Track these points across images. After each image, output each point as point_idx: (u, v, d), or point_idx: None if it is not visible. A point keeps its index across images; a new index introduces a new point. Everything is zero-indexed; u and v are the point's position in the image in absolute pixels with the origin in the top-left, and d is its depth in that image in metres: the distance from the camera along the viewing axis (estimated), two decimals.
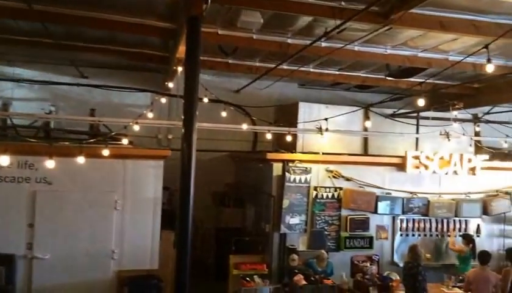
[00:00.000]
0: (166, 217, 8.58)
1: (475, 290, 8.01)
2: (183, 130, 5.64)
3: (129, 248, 8.38)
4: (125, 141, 8.41)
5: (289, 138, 9.11)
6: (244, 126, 8.85)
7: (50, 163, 7.19)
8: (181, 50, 6.64)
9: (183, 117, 5.59)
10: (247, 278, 8.59)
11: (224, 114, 9.16)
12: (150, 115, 8.55)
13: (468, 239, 9.39)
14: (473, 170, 10.04)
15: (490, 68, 5.02)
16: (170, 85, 9.42)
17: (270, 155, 9.44)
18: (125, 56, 9.73)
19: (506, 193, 10.29)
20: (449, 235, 9.83)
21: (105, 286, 8.24)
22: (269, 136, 8.97)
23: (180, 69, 7.81)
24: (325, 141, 9.25)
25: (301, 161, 9.36)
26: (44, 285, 7.98)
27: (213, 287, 9.64)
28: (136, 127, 8.09)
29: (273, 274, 9.00)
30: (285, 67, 9.18)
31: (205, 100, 8.39)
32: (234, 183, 11.76)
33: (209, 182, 11.06)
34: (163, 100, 9.81)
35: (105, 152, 7.47)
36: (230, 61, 9.68)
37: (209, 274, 10.45)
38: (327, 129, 8.55)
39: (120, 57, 9.82)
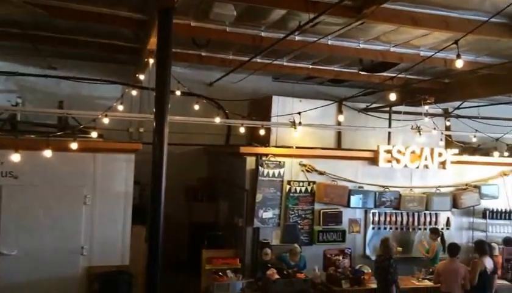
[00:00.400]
0: (138, 211, 8.49)
1: (444, 282, 8.24)
2: (154, 124, 5.60)
3: (99, 243, 8.28)
4: (94, 134, 8.27)
5: (262, 132, 9.14)
6: (217, 120, 8.82)
7: (16, 157, 7.03)
8: (153, 42, 6.56)
9: (154, 110, 5.54)
10: (220, 273, 8.59)
11: (196, 107, 9.10)
12: (120, 107, 8.43)
13: (436, 233, 9.58)
14: (443, 164, 10.25)
15: (459, 64, 5.12)
16: (142, 77, 9.30)
17: (243, 149, 9.44)
18: (95, 47, 9.57)
19: (475, 186, 10.55)
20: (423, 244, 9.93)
21: (74, 283, 8.12)
22: (242, 130, 8.98)
23: (151, 61, 7.73)
24: (299, 135, 9.31)
25: (274, 155, 9.39)
26: (11, 282, 7.81)
27: (185, 282, 9.60)
28: (106, 120, 7.97)
29: (246, 269, 9.03)
30: (259, 60, 9.18)
31: (177, 93, 8.32)
32: (207, 177, 11.73)
33: (182, 176, 10.97)
34: (134, 92, 9.68)
35: (74, 145, 7.34)
36: (203, 53, 9.62)
37: (182, 270, 10.39)
38: (300, 123, 8.60)
39: (90, 48, 9.64)
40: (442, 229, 10.29)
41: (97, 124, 8.28)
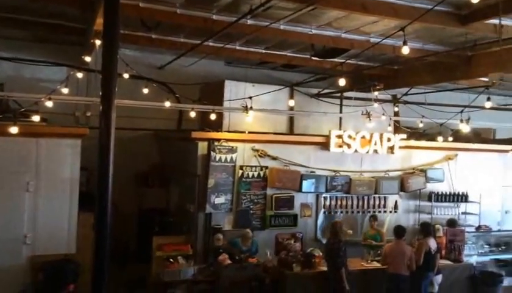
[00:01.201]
0: (85, 198, 8.26)
1: (391, 262, 8.56)
2: (101, 107, 5.41)
3: (44, 231, 8.01)
4: (36, 118, 7.93)
5: (213, 117, 9.07)
6: (167, 104, 8.68)
7: None
8: (99, 22, 6.32)
9: (100, 93, 5.35)
10: (171, 259, 8.53)
11: (145, 91, 8.90)
12: (65, 90, 8.12)
13: (373, 219, 9.84)
14: (391, 148, 10.57)
15: (405, 50, 5.25)
16: (88, 59, 8.98)
17: (195, 134, 9.36)
18: (39, 27, 9.14)
19: (422, 170, 10.97)
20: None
21: (17, 272, 7.84)
22: (193, 114, 8.87)
23: (98, 42, 7.46)
24: (252, 121, 9.32)
25: (227, 140, 9.39)
26: None
27: (135, 270, 9.49)
28: (50, 104, 7.66)
29: (198, 255, 9.02)
30: (211, 44, 9.06)
31: (125, 76, 8.09)
32: (158, 163, 11.56)
33: (132, 162, 10.79)
34: (80, 75, 9.35)
35: (14, 129, 7.02)
36: (153, 36, 9.39)
37: (132, 257, 10.27)
38: (251, 108, 8.59)
39: (34, 29, 9.21)
40: (391, 212, 10.67)
41: (41, 108, 7.96)
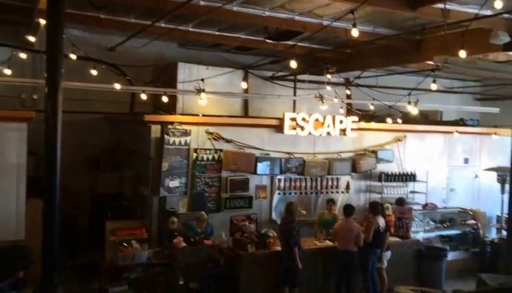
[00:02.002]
0: (33, 183, 7.98)
1: (340, 240, 8.81)
2: (46, 89, 5.21)
3: None
4: None
5: (165, 99, 8.91)
6: (117, 86, 8.45)
7: None
8: (44, 0, 6.04)
9: (45, 75, 5.15)
10: (125, 244, 8.40)
11: (94, 72, 8.62)
12: (7, 71, 7.73)
13: (332, 202, 10.01)
14: (344, 130, 10.74)
15: (355, 33, 5.31)
16: (32, 39, 8.57)
17: (148, 117, 9.22)
18: None
19: (372, 151, 11.23)
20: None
21: None
22: (144, 97, 8.68)
23: (42, 22, 7.13)
24: (206, 104, 9.21)
25: (180, 123, 9.27)
26: None
27: (88, 256, 9.31)
28: None
29: (153, 239, 8.93)
30: (162, 25, 8.87)
31: (73, 57, 7.79)
32: (110, 146, 11.30)
33: (83, 146, 10.53)
34: (24, 56, 8.92)
35: None
36: (102, 16, 9.08)
37: (85, 243, 10.05)
38: (203, 90, 8.49)
39: None
40: (343, 192, 10.90)
41: None
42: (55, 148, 5.11)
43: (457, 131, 11.81)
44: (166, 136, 9.04)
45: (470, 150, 12.52)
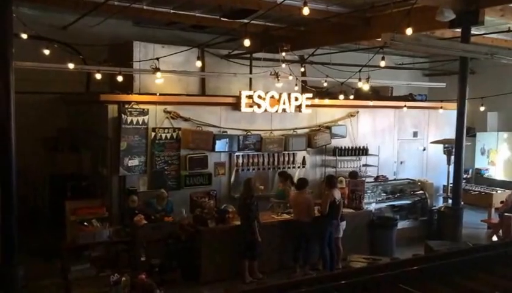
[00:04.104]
0: None
1: (294, 211, 9.08)
2: None
3: None
4: None
5: (120, 79, 8.78)
6: (70, 65, 8.26)
7: None
8: None
9: None
10: (85, 223, 8.36)
11: (47, 52, 8.38)
12: None
13: (285, 176, 10.15)
14: (299, 107, 10.90)
15: (306, 11, 5.40)
16: None
17: (104, 97, 9.11)
18: None
19: (327, 127, 11.45)
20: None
21: None
22: (98, 76, 8.52)
23: None
24: (163, 82, 9.17)
25: (138, 102, 9.20)
26: None
27: (49, 236, 9.19)
28: None
29: (113, 217, 8.92)
30: (116, 3, 8.68)
31: (24, 36, 7.54)
32: (67, 127, 11.09)
33: (39, 127, 10.28)
34: None
35: None
36: None
37: (45, 223, 9.91)
38: (158, 69, 8.41)
39: None
40: (299, 167, 11.11)
41: None
42: (8, 129, 5.02)
43: (406, 106, 12.19)
44: (123, 115, 8.96)
45: (418, 124, 12.96)
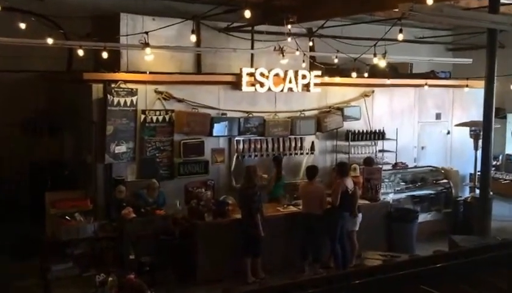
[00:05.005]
0: None
1: (303, 203, 9.00)
2: None
3: None
4: None
5: (105, 55, 8.65)
6: (49, 41, 8.14)
7: None
8: None
9: None
10: (67, 217, 8.32)
11: (22, 26, 8.27)
12: None
13: (277, 161, 10.08)
14: (307, 86, 10.81)
15: None
16: None
17: (88, 76, 9.08)
18: None
19: (338, 108, 11.36)
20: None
21: None
22: (81, 52, 8.42)
23: None
24: (153, 59, 9.04)
25: (125, 81, 9.17)
26: None
27: (27, 231, 9.13)
28: None
29: (98, 210, 8.91)
30: None
31: None
32: (47, 108, 11.01)
33: (15, 109, 10.21)
34: None
35: None
36: None
37: (23, 217, 9.85)
38: (148, 44, 8.28)
39: None
40: (307, 153, 11.00)
41: None
42: None
43: (427, 84, 12.04)
44: (109, 96, 8.90)
45: (441, 104, 12.86)
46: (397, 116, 12.16)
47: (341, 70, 11.47)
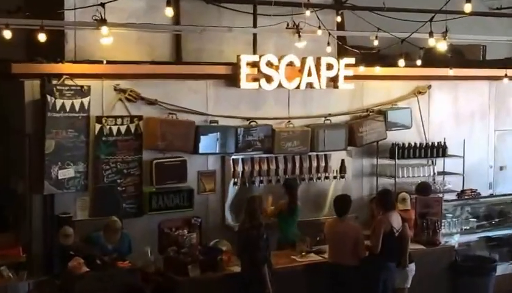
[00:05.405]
0: None
1: (330, 248, 9.04)
2: None
3: None
4: None
5: (43, 38, 8.71)
6: None
7: None
8: None
9: None
10: None
11: None
12: None
13: (290, 186, 10.14)
14: (334, 80, 10.89)
15: None
16: None
17: (18, 68, 9.13)
18: None
19: (380, 112, 11.45)
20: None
21: None
22: (8, 35, 8.49)
23: None
24: (113, 44, 9.11)
25: (72, 76, 9.24)
26: None
27: None
28: None
29: (35, 262, 8.97)
30: None
31: None
32: None
33: None
34: None
35: None
36: None
37: None
38: (105, 21, 8.35)
39: None
40: (335, 177, 11.07)
41: None
42: None
43: (508, 75, 12.06)
44: (49, 97, 9.00)
45: None
46: (464, 123, 12.30)
47: (382, 57, 11.53)
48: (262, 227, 8.68)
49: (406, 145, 11.59)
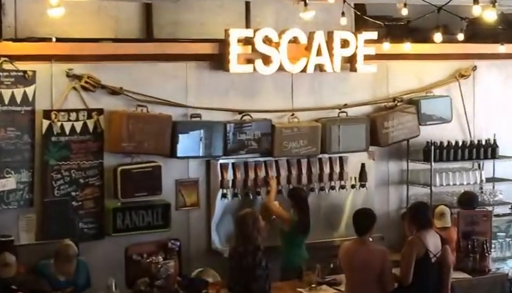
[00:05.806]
0: None
1: (348, 278, 9.02)
2: None
3: None
4: None
5: None
6: None
7: None
8: None
9: None
10: None
11: None
12: None
13: (297, 196, 10.36)
14: (351, 61, 10.95)
15: None
16: None
17: None
18: None
19: (410, 101, 11.51)
20: (269, 189, 10.66)
21: None
22: None
23: None
24: (65, 16, 9.14)
25: (12, 58, 9.29)
26: None
27: None
28: None
29: None
30: None
31: None
32: None
33: None
34: None
35: None
36: None
37: None
38: None
39: None
40: (354, 186, 11.12)
41: None
42: None
43: None
44: None
45: None
46: None
47: (413, 30, 11.56)
48: (259, 252, 8.68)
49: (445, 144, 11.64)
